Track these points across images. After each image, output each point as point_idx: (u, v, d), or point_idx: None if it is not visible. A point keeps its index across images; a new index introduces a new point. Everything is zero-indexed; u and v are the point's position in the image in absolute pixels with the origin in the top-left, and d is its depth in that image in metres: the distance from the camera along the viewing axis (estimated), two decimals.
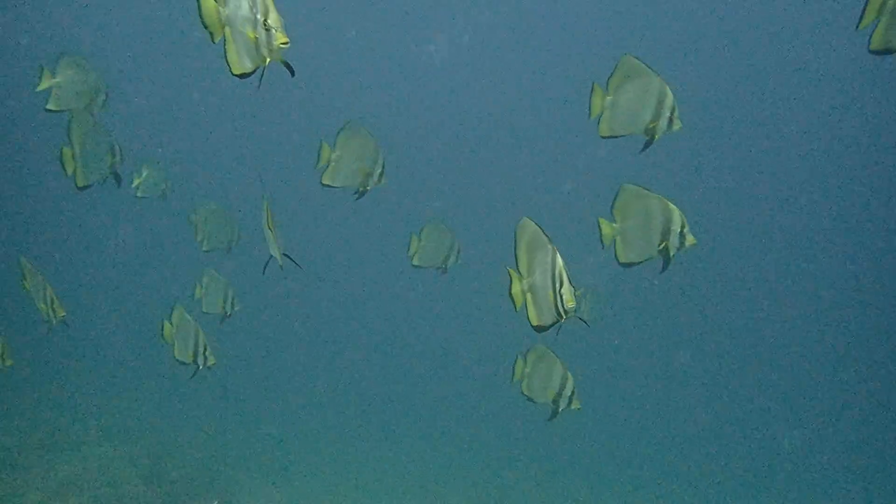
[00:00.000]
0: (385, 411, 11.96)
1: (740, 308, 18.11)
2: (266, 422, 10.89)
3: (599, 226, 3.45)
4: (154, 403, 10.36)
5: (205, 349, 4.57)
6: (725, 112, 21.44)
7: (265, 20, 2.24)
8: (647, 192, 3.37)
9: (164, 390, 10.20)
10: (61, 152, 4.13)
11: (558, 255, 2.83)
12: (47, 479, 7.72)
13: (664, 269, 3.44)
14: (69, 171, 4.15)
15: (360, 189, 4.00)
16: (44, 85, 3.97)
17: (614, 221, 3.44)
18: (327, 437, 10.73)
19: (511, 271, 2.94)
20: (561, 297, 2.83)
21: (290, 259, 3.79)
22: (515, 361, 4.10)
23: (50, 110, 4.11)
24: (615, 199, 3.42)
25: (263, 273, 3.94)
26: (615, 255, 3.47)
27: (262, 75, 2.38)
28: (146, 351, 9.60)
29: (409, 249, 5.24)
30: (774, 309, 18.29)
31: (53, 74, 4.00)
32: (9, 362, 4.53)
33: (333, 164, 3.93)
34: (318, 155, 3.93)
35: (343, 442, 10.73)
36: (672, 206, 3.36)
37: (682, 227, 3.34)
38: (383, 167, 3.99)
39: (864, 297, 19.02)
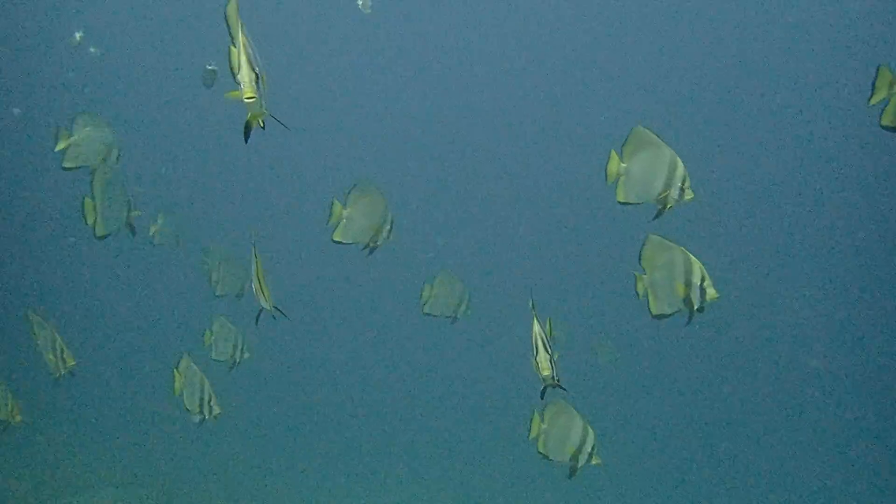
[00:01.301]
0: (392, 458, 11.83)
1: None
2: (275, 468, 10.81)
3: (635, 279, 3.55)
4: (163, 447, 10.32)
5: (210, 399, 4.55)
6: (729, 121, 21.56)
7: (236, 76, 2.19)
8: (669, 243, 3.46)
9: (173, 434, 10.17)
10: (83, 203, 4.27)
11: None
12: None
13: (688, 321, 3.51)
14: (90, 221, 4.29)
15: (370, 245, 4.07)
16: (61, 145, 4.08)
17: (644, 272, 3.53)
18: (337, 485, 10.61)
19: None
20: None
21: (279, 311, 3.78)
22: (532, 417, 3.96)
23: (67, 168, 4.23)
24: (641, 249, 3.52)
25: (256, 324, 3.94)
26: (648, 308, 3.54)
27: (245, 131, 2.32)
28: (155, 395, 9.61)
29: (420, 298, 5.26)
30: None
31: (70, 133, 4.11)
32: (18, 418, 4.53)
33: (345, 221, 4.00)
34: (330, 212, 4.01)
35: (351, 490, 10.62)
36: (693, 258, 3.41)
37: (703, 279, 3.39)
38: (392, 223, 4.07)
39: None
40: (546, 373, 3.03)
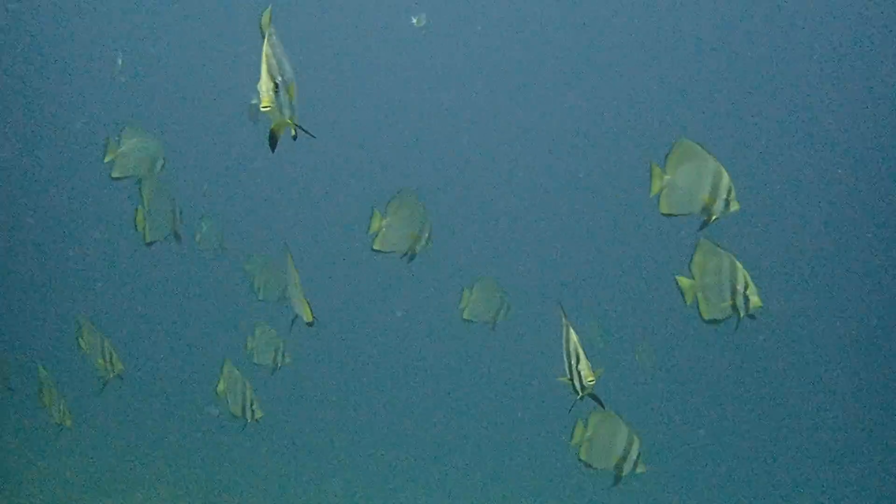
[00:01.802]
0: (427, 461, 11.83)
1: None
2: (314, 470, 10.91)
3: (678, 284, 3.53)
4: (207, 449, 10.50)
5: (252, 403, 4.62)
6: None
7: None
8: (720, 249, 3.44)
9: (217, 436, 10.33)
10: (135, 212, 4.42)
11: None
12: None
13: (736, 327, 3.49)
14: (140, 228, 4.43)
15: (410, 253, 4.11)
16: (110, 156, 4.21)
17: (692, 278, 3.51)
18: (375, 488, 10.65)
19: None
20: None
21: (314, 318, 3.81)
22: (575, 425, 3.93)
23: (115, 178, 4.38)
24: (693, 255, 3.50)
25: (290, 331, 3.98)
26: (699, 313, 3.51)
27: (270, 141, 2.30)
28: (198, 398, 9.78)
29: (459, 303, 5.26)
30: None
31: (118, 145, 4.24)
32: (69, 423, 4.66)
33: (384, 230, 4.04)
34: (370, 222, 4.05)
35: (390, 493, 10.65)
36: (738, 265, 3.40)
37: (746, 287, 3.38)
38: (430, 231, 4.10)
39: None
40: (590, 380, 2.99)
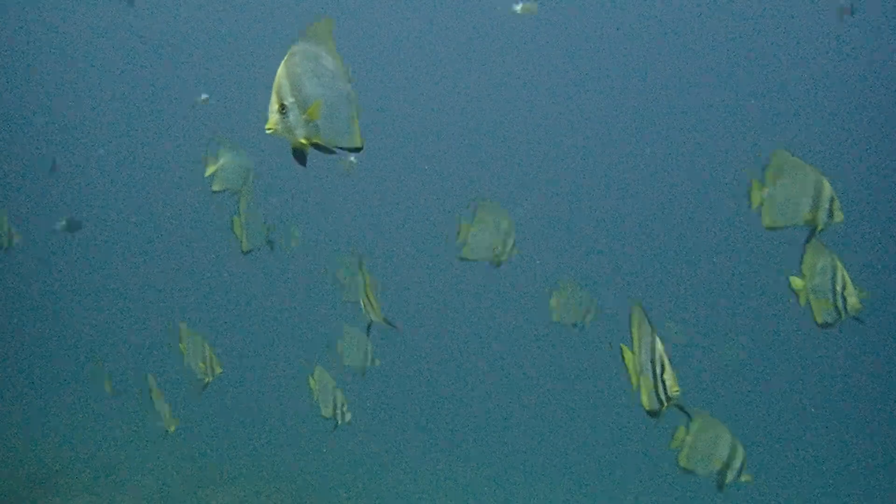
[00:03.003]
0: (509, 461, 11.77)
1: None
2: (402, 468, 11.05)
3: (791, 285, 3.43)
4: (300, 446, 10.81)
5: (343, 406, 4.70)
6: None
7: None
8: (826, 249, 3.35)
9: (309, 434, 10.61)
10: (232, 222, 4.62)
11: None
12: None
13: (838, 329, 3.39)
14: (238, 237, 4.64)
15: (496, 261, 4.15)
16: (210, 170, 4.39)
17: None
18: (461, 487, 10.70)
19: None
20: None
21: (389, 323, 3.91)
22: (677, 430, 3.80)
23: (215, 191, 4.55)
24: (803, 255, 3.40)
25: (368, 335, 4.05)
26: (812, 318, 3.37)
27: (296, 157, 2.22)
28: (291, 397, 10.06)
29: (548, 306, 5.25)
30: None
31: (216, 160, 4.42)
32: (173, 428, 4.88)
33: (471, 239, 4.10)
34: (457, 231, 4.12)
35: (475, 491, 10.68)
36: (839, 265, 3.31)
37: (844, 288, 3.29)
38: (514, 239, 4.14)
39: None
40: (676, 391, 2.88)
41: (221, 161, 4.40)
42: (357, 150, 2.25)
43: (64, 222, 7.44)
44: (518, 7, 6.21)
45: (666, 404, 2.93)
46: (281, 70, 2.10)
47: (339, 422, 4.79)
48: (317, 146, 2.17)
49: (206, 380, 4.59)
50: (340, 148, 2.22)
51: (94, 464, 8.92)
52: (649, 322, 2.86)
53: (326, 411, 4.72)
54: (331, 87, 2.14)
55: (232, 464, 10.00)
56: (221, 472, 9.55)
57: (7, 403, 10.53)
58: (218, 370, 4.59)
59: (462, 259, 4.17)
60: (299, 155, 2.18)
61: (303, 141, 2.15)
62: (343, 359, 5.68)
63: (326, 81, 2.14)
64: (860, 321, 3.39)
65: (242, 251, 4.65)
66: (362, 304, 4.01)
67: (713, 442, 3.68)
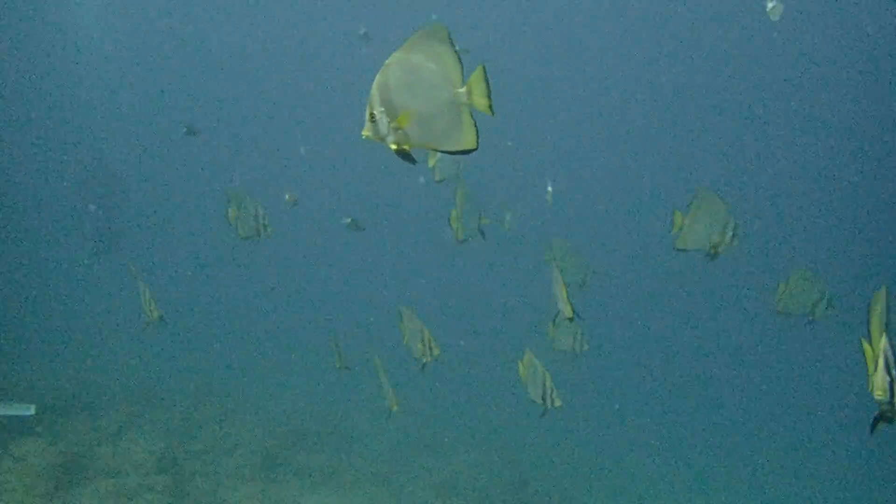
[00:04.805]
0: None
1: None
2: (607, 456, 10.99)
3: None
4: (518, 421, 11.17)
5: (552, 392, 4.78)
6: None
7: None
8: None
9: (526, 410, 10.95)
10: (450, 213, 4.94)
11: None
12: (430, 478, 8.86)
13: None
14: (454, 227, 4.94)
15: (712, 252, 4.13)
16: (431, 162, 4.78)
17: None
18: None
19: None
20: None
21: (578, 316, 4.07)
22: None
23: (437, 181, 4.96)
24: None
25: (576, 319, 4.15)
26: None
27: (401, 156, 2.34)
28: (501, 381, 10.39)
29: (775, 294, 5.05)
30: None
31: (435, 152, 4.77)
32: (395, 407, 5.31)
33: (686, 229, 4.12)
34: (672, 221, 4.17)
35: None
36: None
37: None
38: (735, 230, 4.06)
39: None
40: (880, 396, 2.53)
41: (439, 153, 4.75)
42: (468, 151, 2.33)
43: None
44: (770, 6, 6.03)
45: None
46: (375, 81, 2.24)
47: (549, 406, 4.89)
48: (400, 151, 2.32)
49: (425, 360, 4.93)
50: (450, 151, 2.33)
51: (336, 427, 9.99)
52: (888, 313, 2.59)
53: (535, 396, 4.83)
54: (426, 96, 2.24)
55: (454, 433, 10.63)
56: (444, 441, 10.20)
57: (259, 379, 12.08)
58: (436, 352, 4.90)
59: (678, 249, 4.20)
60: (402, 155, 2.34)
61: (394, 146, 2.30)
62: (554, 343, 5.80)
63: (421, 91, 2.23)
64: None
65: (457, 240, 4.93)
66: (556, 297, 4.15)
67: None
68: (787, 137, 22.28)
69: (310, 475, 8.22)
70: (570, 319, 3.96)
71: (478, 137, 2.26)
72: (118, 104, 25.15)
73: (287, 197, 6.44)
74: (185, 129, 8.43)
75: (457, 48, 2.24)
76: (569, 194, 22.17)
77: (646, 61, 23.45)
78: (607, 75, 24.51)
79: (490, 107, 2.21)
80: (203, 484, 7.44)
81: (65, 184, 13.96)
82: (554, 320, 5.84)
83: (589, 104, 25.48)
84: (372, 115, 2.27)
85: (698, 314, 17.53)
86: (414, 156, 2.32)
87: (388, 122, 2.26)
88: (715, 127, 23.53)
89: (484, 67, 2.19)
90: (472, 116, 2.26)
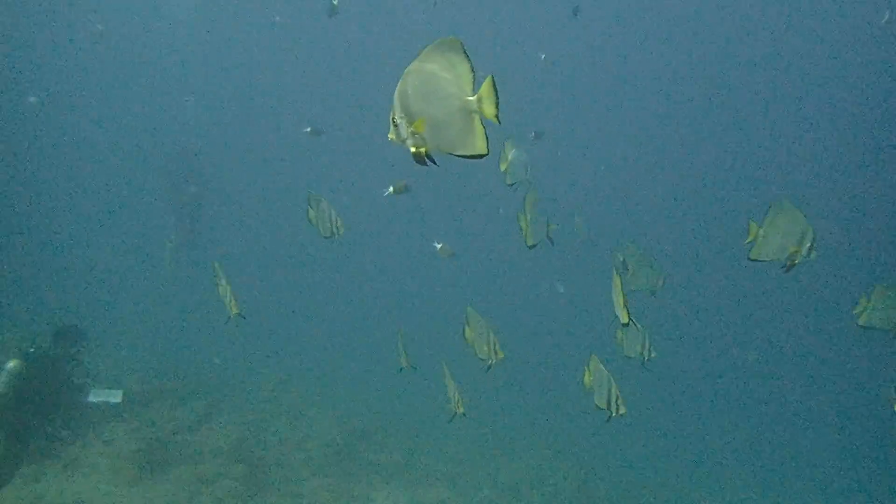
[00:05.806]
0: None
1: None
2: (673, 463, 10.71)
3: None
4: (587, 425, 11.05)
5: (617, 399, 4.71)
6: None
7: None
8: None
9: (592, 417, 10.83)
10: (518, 217, 4.97)
11: None
12: (496, 478, 8.89)
13: None
14: (524, 233, 4.97)
15: (788, 263, 4.06)
16: (503, 166, 4.85)
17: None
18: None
19: None
20: None
21: (634, 323, 4.12)
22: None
23: (509, 185, 5.01)
24: None
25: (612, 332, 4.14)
26: None
27: (418, 160, 2.42)
28: (566, 388, 10.32)
29: (855, 308, 4.91)
30: None
31: (507, 156, 4.82)
32: (461, 409, 5.35)
33: (761, 240, 4.07)
34: (747, 231, 4.13)
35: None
36: None
37: None
38: (813, 241, 3.97)
39: None
40: None
41: (510, 157, 4.78)
42: (479, 157, 2.38)
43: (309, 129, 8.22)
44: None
45: None
46: (396, 89, 2.36)
47: (613, 413, 4.82)
48: (420, 155, 2.42)
49: (490, 363, 4.95)
50: (463, 155, 2.39)
51: (405, 425, 10.14)
52: None
53: (601, 401, 4.77)
54: (440, 103, 2.31)
55: (520, 434, 10.62)
56: (510, 442, 10.21)
57: (333, 375, 12.36)
58: (500, 355, 4.92)
59: (752, 260, 4.15)
60: (418, 158, 2.44)
61: (413, 150, 2.40)
62: (623, 349, 5.71)
63: (435, 99, 2.32)
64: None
65: (528, 245, 4.97)
66: (616, 304, 4.14)
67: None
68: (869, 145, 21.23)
69: (379, 470, 8.38)
70: (625, 325, 3.95)
71: (488, 144, 2.32)
72: (214, 101, 26.11)
73: (439, 247, 6.63)
74: (308, 129, 8.63)
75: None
76: (643, 200, 21.77)
77: (733, 66, 22.78)
78: (692, 83, 23.95)
79: (497, 116, 2.26)
80: (277, 473, 7.72)
81: (156, 183, 14.67)
82: (622, 327, 5.77)
83: (668, 109, 24.92)
84: (394, 121, 2.38)
85: (772, 323, 16.93)
86: (435, 159, 2.41)
87: (407, 127, 2.36)
88: (797, 136, 22.69)
89: (493, 78, 2.24)
90: (482, 124, 2.32)
